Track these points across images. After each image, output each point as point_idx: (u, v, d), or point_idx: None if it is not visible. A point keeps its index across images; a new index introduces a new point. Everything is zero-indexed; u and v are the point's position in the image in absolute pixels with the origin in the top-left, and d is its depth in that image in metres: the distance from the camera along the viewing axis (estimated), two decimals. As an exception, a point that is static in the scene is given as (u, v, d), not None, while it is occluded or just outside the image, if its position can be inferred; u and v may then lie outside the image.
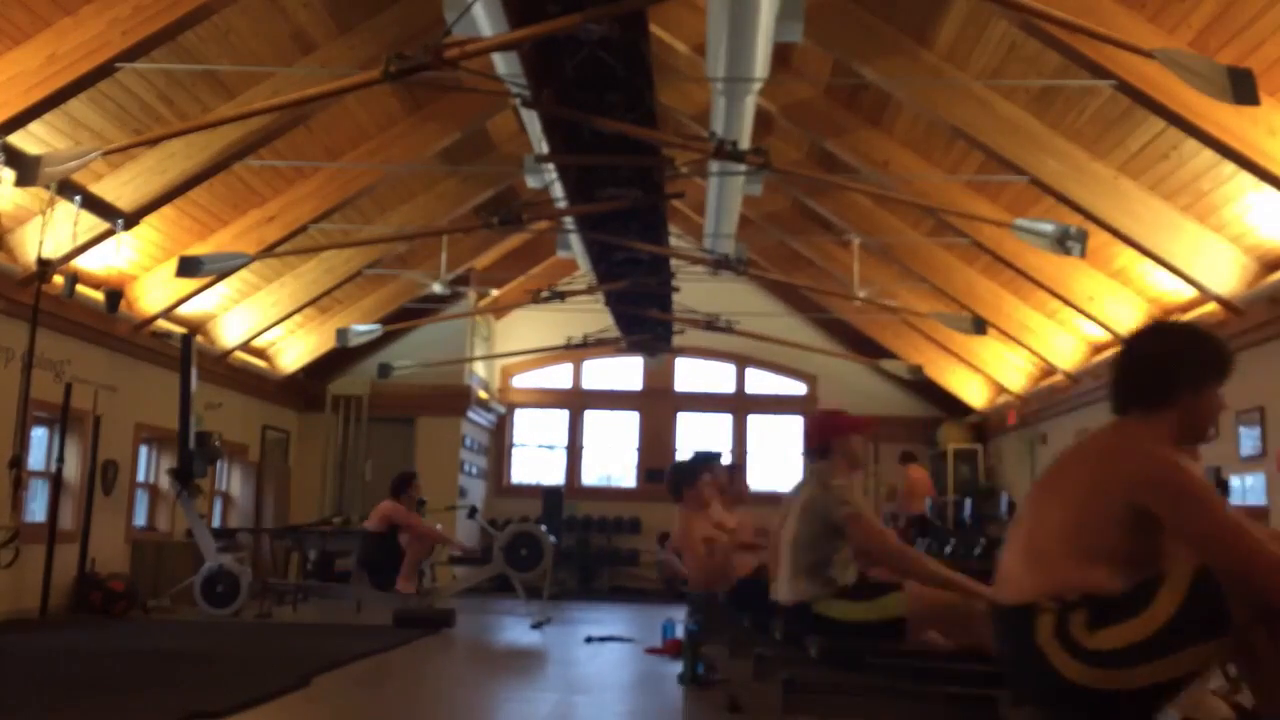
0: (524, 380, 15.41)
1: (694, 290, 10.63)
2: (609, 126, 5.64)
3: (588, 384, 15.38)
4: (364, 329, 10.15)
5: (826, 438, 4.45)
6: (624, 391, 15.33)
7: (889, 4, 7.28)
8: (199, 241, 8.97)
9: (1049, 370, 11.02)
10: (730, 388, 15.37)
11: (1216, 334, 2.68)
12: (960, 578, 3.90)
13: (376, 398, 13.37)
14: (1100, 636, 2.23)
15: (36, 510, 8.48)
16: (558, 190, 7.64)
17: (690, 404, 15.30)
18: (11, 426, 7.50)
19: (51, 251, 7.44)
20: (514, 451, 15.49)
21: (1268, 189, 6.24)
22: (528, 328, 14.23)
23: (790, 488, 4.66)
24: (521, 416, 15.50)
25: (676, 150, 7.05)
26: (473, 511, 10.94)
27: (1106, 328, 9.06)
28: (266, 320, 10.98)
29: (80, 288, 7.85)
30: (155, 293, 9.10)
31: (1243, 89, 4.36)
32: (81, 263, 8.00)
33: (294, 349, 12.35)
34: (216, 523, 11.24)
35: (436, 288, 10.93)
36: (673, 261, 9.56)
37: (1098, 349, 9.90)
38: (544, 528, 9.96)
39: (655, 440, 14.90)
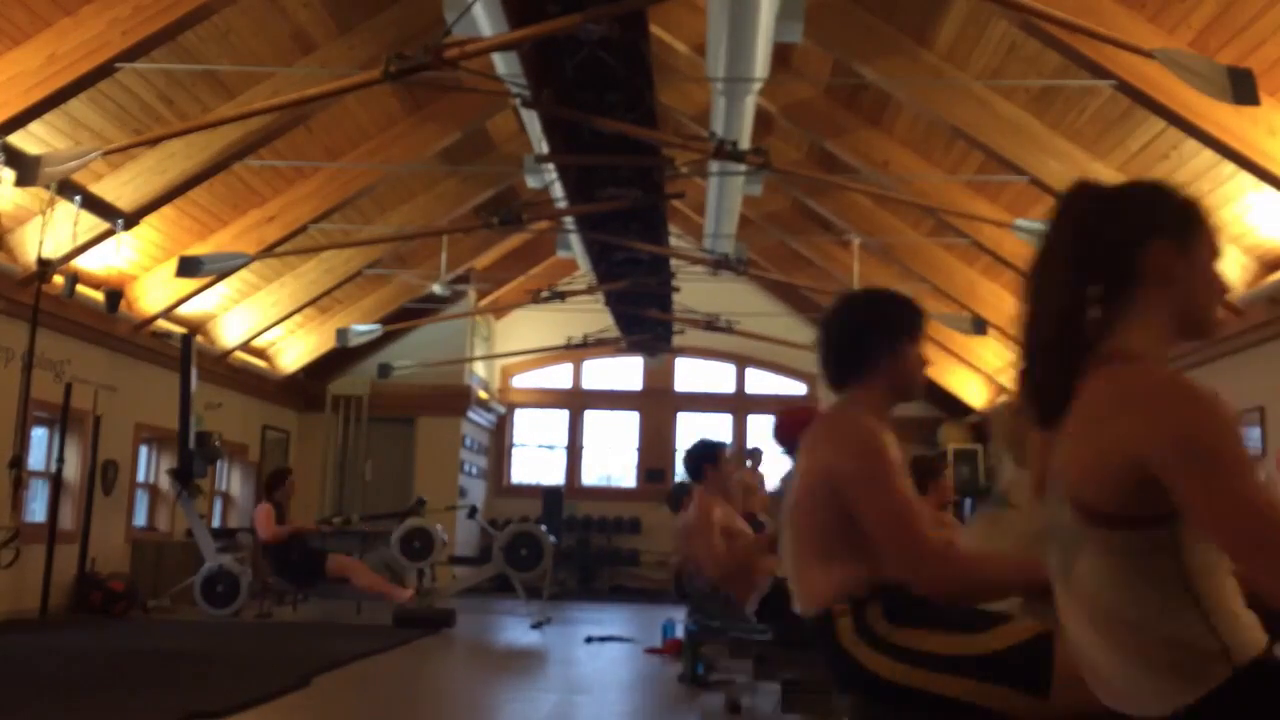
0: (524, 380, 15.42)
1: (694, 290, 10.63)
2: (609, 126, 5.64)
3: (588, 384, 15.38)
4: (364, 329, 10.15)
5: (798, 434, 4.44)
6: (624, 391, 15.32)
7: (889, 4, 7.28)
8: (199, 241, 8.97)
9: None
10: (730, 388, 15.37)
11: (905, 295, 2.66)
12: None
13: (376, 398, 13.37)
14: (906, 634, 2.19)
15: (36, 510, 8.48)
16: (558, 190, 7.64)
17: (690, 404, 15.30)
18: (11, 426, 7.50)
19: (51, 251, 7.44)
20: (514, 451, 15.50)
21: (1268, 189, 6.23)
22: (528, 328, 14.23)
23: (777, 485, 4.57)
24: (521, 416, 15.50)
25: (676, 150, 7.04)
26: (473, 511, 10.94)
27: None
28: (266, 320, 10.98)
29: (80, 288, 7.85)
30: (155, 293, 9.10)
31: (1243, 89, 4.37)
32: (81, 263, 8.00)
33: (294, 349, 12.34)
34: (216, 523, 11.24)
35: (436, 288, 10.93)
36: (673, 261, 9.57)
37: (1098, 349, 9.89)
38: (544, 528, 9.97)
39: (655, 440, 14.90)
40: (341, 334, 9.91)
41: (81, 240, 7.65)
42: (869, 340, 2.49)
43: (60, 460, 8.23)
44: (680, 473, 14.88)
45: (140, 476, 10.09)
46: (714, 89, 6.76)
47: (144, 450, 10.12)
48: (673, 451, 14.84)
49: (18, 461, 7.46)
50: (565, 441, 15.33)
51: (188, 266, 7.61)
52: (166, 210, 8.29)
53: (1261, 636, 1.51)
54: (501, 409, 15.03)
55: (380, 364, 11.15)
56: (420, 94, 8.74)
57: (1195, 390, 1.44)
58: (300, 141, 8.58)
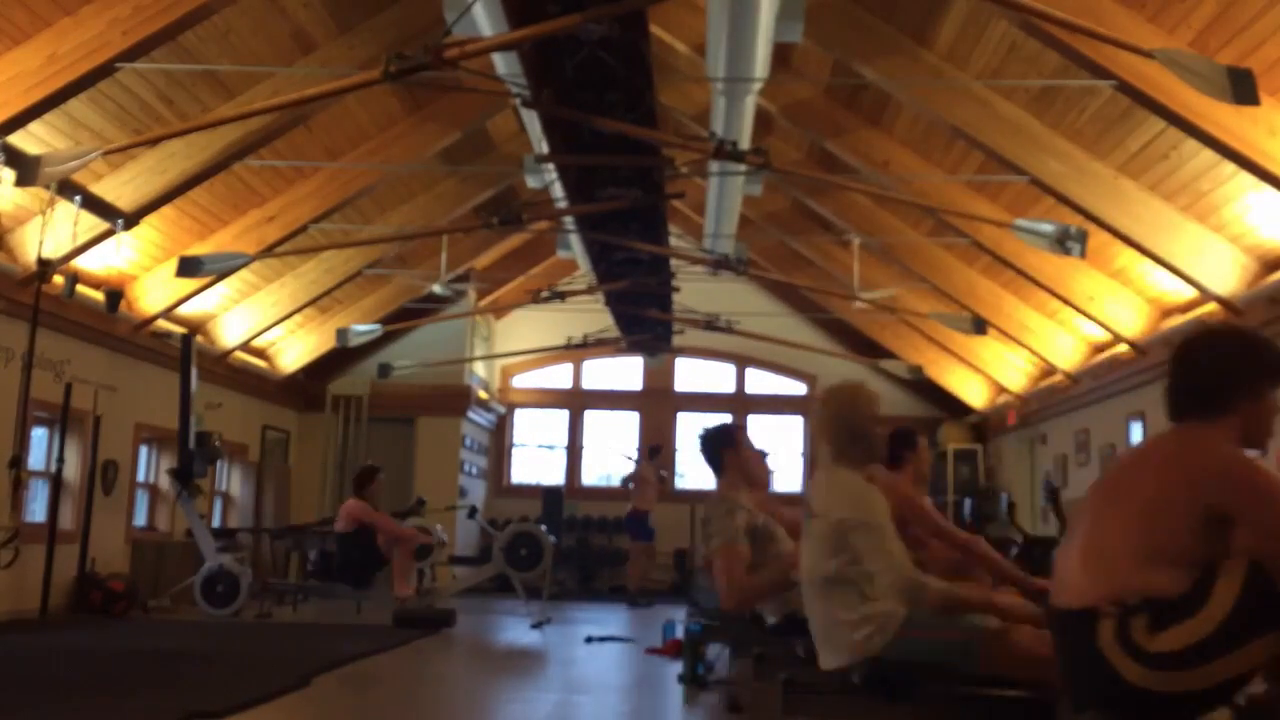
0: (524, 380, 15.42)
1: (694, 290, 10.63)
2: (609, 126, 5.64)
3: (588, 384, 15.38)
4: (364, 329, 10.15)
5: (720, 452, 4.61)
6: (624, 391, 15.32)
7: (889, 4, 7.28)
8: (199, 241, 8.97)
9: (1049, 370, 11.02)
10: (730, 388, 15.37)
11: (1269, 338, 2.67)
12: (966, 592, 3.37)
13: (376, 398, 13.37)
14: (1161, 639, 2.21)
15: (36, 510, 8.48)
16: (558, 190, 7.64)
17: (690, 404, 15.30)
18: (11, 426, 7.50)
19: (51, 251, 7.44)
20: (514, 451, 15.50)
21: (1268, 189, 6.23)
22: (528, 328, 14.23)
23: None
24: (521, 416, 15.50)
25: (676, 150, 7.04)
26: (473, 511, 10.94)
27: (1106, 328, 9.06)
28: (266, 320, 10.98)
29: (80, 288, 7.85)
30: (155, 293, 9.10)
31: (1243, 89, 4.36)
32: (81, 263, 8.00)
33: (294, 349, 12.35)
34: (216, 523, 11.24)
35: (436, 288, 10.93)
36: (673, 261, 9.56)
37: (1098, 349, 9.90)
38: (544, 528, 9.97)
39: (655, 440, 14.89)
40: (341, 334, 9.91)
41: (81, 240, 7.65)
42: (1234, 379, 2.45)
43: (60, 460, 8.23)
44: (681, 473, 14.95)
45: (140, 476, 10.09)
46: (714, 89, 6.76)
47: (144, 450, 10.12)
48: (673, 452, 14.85)
49: (18, 461, 7.46)
50: (565, 441, 15.33)
51: (188, 266, 7.61)
52: (166, 210, 8.29)
53: None
54: (501, 409, 15.03)
55: (380, 364, 11.15)
56: (420, 94, 8.74)
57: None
58: (300, 141, 8.58)
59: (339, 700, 5.04)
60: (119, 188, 7.64)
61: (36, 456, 8.46)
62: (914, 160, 8.81)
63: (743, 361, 15.13)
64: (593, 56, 5.06)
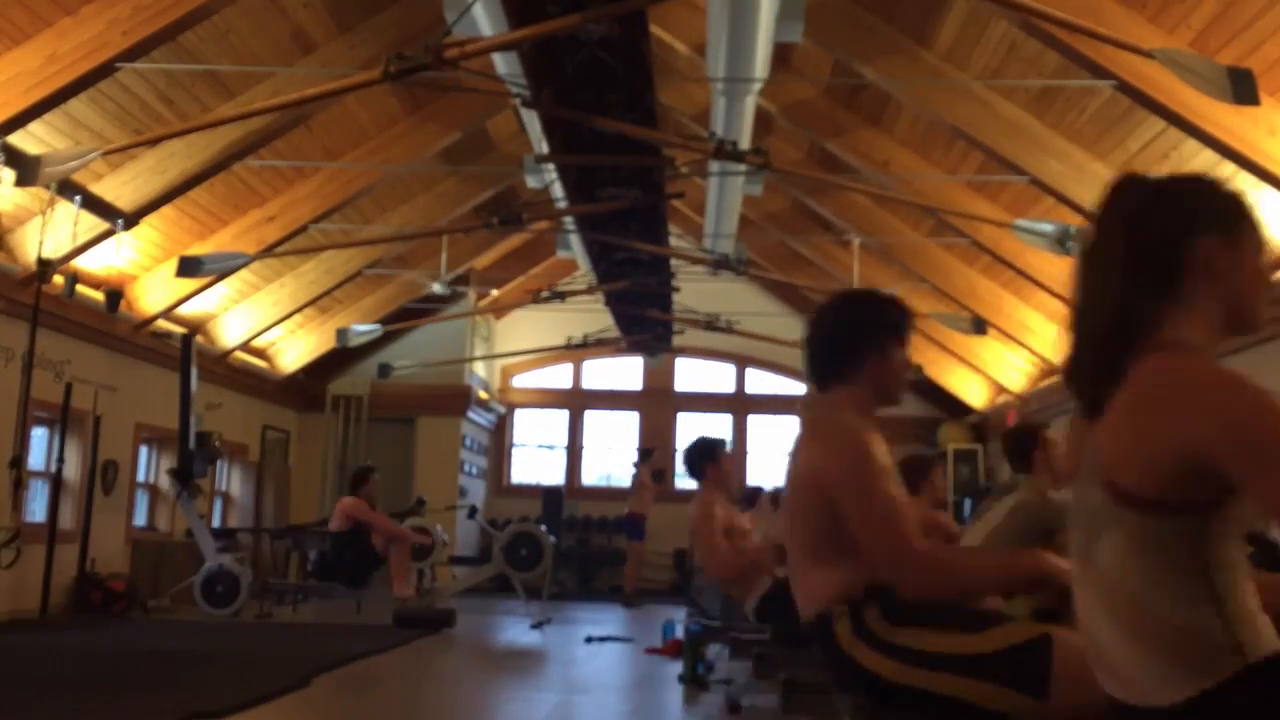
0: (524, 380, 15.41)
1: (694, 290, 10.63)
2: (609, 126, 5.64)
3: (588, 384, 15.38)
4: (364, 329, 10.15)
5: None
6: (624, 391, 15.32)
7: (889, 4, 7.28)
8: (199, 241, 8.97)
9: (1049, 370, 11.01)
10: (730, 388, 15.37)
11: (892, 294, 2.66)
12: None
13: (376, 398, 13.37)
14: (905, 633, 2.20)
15: (36, 510, 8.48)
16: (558, 190, 7.64)
17: (690, 404, 15.30)
18: (11, 426, 7.50)
19: (51, 251, 7.44)
20: (514, 451, 15.49)
21: (1268, 189, 6.23)
22: (528, 328, 14.23)
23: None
24: (521, 416, 15.50)
25: (676, 150, 7.05)
26: (473, 511, 10.94)
27: (1107, 328, 9.05)
28: (266, 320, 10.98)
29: (80, 288, 7.85)
30: (155, 293, 9.10)
31: (1243, 89, 4.37)
32: (81, 263, 8.00)
33: (294, 349, 12.35)
34: (216, 523, 11.24)
35: (436, 288, 10.93)
36: (673, 261, 9.56)
37: (1098, 349, 9.89)
38: (544, 528, 9.97)
39: (655, 440, 14.88)
40: (341, 334, 9.91)
41: (81, 240, 7.66)
42: (854, 340, 2.47)
43: (60, 460, 8.23)
44: (680, 472, 14.95)
45: (140, 476, 10.09)
46: (714, 89, 6.76)
47: (144, 450, 10.12)
48: (673, 452, 14.84)
49: (18, 461, 7.46)
50: (565, 441, 15.33)
51: (188, 266, 7.61)
52: (166, 210, 8.29)
53: (1276, 639, 1.51)
54: (501, 409, 15.03)
55: (380, 364, 11.15)
56: (420, 94, 8.74)
57: (1244, 380, 1.46)
58: (300, 141, 8.58)
59: (339, 700, 5.04)
60: (119, 188, 7.64)
61: (36, 456, 8.46)
62: (914, 160, 8.82)
63: (743, 361, 15.13)
64: (593, 56, 5.07)
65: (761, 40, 5.89)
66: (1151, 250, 1.61)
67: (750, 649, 4.87)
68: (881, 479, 2.26)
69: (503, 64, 6.45)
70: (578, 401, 15.37)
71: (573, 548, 13.92)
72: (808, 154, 10.17)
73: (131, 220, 7.83)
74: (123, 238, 8.00)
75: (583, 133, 5.99)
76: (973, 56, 7.20)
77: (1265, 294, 1.67)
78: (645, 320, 11.11)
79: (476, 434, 14.25)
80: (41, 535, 7.99)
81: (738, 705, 4.69)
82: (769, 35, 5.96)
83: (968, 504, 12.52)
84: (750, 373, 15.32)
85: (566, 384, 15.40)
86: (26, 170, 5.79)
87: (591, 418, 15.41)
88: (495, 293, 13.92)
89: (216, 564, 8.75)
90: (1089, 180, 7.32)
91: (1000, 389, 12.69)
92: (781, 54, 7.81)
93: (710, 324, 10.67)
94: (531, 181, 9.70)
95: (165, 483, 9.89)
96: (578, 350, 12.00)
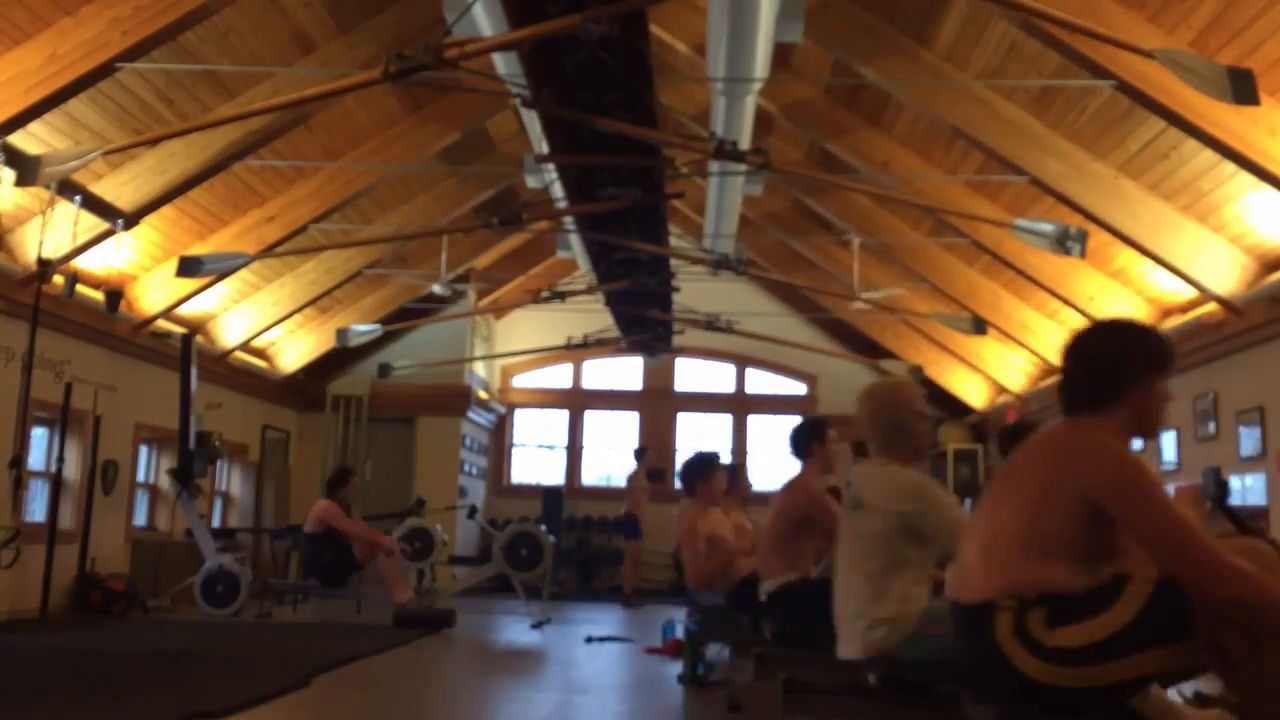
0: (524, 380, 15.41)
1: (694, 290, 10.63)
2: (609, 126, 5.64)
3: (588, 384, 15.38)
4: (364, 329, 10.15)
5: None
6: (624, 391, 15.32)
7: (889, 4, 7.28)
8: (199, 241, 8.97)
9: (1049, 370, 11.01)
10: (730, 388, 15.37)
11: (1156, 327, 2.73)
12: None
13: (376, 398, 13.37)
14: (1059, 634, 2.23)
15: (36, 510, 8.48)
16: (558, 190, 7.63)
17: (690, 404, 15.30)
18: (11, 426, 7.50)
19: (51, 251, 7.44)
20: (514, 451, 15.49)
21: (1268, 189, 6.23)
22: (528, 328, 14.24)
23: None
24: (521, 416, 15.50)
25: (676, 150, 7.04)
26: (472, 511, 10.94)
27: (1107, 328, 9.05)
28: (266, 320, 10.98)
29: (80, 288, 7.85)
30: (155, 293, 9.10)
31: (1243, 89, 4.36)
32: (81, 263, 8.00)
33: (294, 349, 12.35)
34: (216, 523, 11.24)
35: (436, 288, 10.93)
36: (673, 261, 9.56)
37: (1098, 349, 9.89)
38: (544, 528, 9.97)
39: (655, 440, 14.89)
40: (341, 334, 9.91)
41: (81, 240, 7.65)
42: (1122, 369, 2.48)
43: (60, 460, 8.22)
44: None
45: (140, 476, 10.09)
46: (714, 89, 6.76)
47: (144, 450, 10.12)
48: (673, 452, 14.84)
49: (18, 461, 7.46)
50: (565, 441, 15.33)
51: (188, 266, 7.60)
52: (166, 210, 8.29)
53: None
54: (501, 409, 15.03)
55: (380, 364, 11.15)
56: (420, 94, 8.74)
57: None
58: (300, 141, 8.58)
59: (339, 700, 5.04)
60: (119, 188, 7.64)
61: (36, 456, 8.46)
62: (914, 160, 8.82)
63: (743, 361, 15.13)
64: (593, 56, 5.06)
65: (761, 40, 5.89)
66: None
67: (750, 649, 4.87)
68: (1169, 501, 2.33)
69: (503, 64, 6.45)
70: (578, 401, 15.36)
71: (572, 548, 13.92)
72: (808, 154, 10.17)
73: (131, 220, 7.83)
74: (123, 238, 8.00)
75: (583, 133, 5.99)
76: (973, 56, 7.21)
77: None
78: (645, 320, 11.11)
79: (476, 434, 14.25)
80: (41, 535, 7.99)
81: (738, 705, 4.69)
82: (769, 35, 5.96)
83: (967, 504, 12.53)
84: (750, 373, 15.32)
85: (566, 384, 15.40)
86: (26, 170, 5.78)
87: (591, 418, 15.40)
88: (496, 295, 13.93)
89: (216, 564, 8.75)
90: (1089, 180, 7.32)
91: (1000, 389, 12.70)
92: (781, 54, 7.81)
93: (710, 324, 10.67)
94: (531, 181, 9.70)
95: (165, 483, 9.89)
96: (578, 350, 11.99)
